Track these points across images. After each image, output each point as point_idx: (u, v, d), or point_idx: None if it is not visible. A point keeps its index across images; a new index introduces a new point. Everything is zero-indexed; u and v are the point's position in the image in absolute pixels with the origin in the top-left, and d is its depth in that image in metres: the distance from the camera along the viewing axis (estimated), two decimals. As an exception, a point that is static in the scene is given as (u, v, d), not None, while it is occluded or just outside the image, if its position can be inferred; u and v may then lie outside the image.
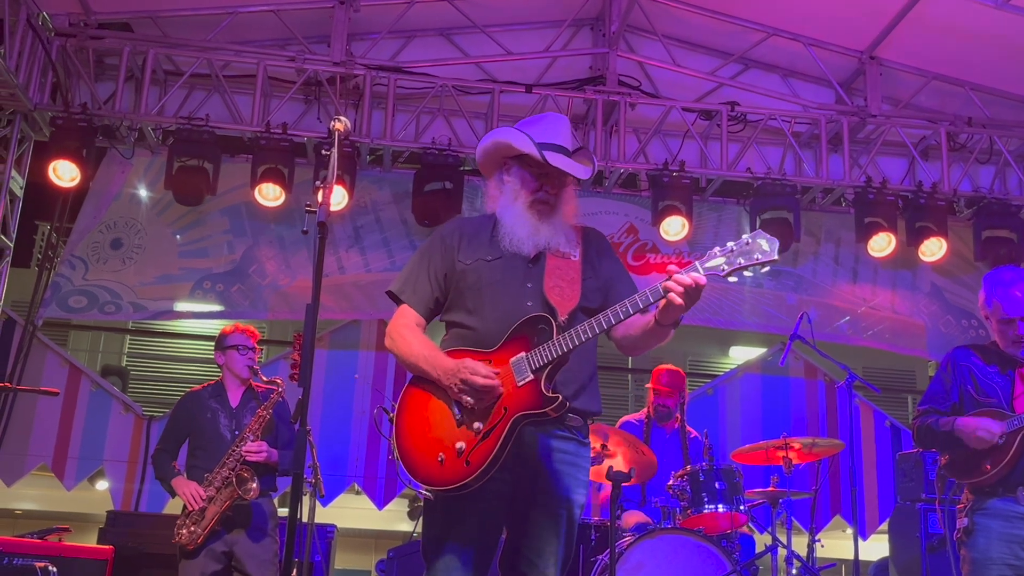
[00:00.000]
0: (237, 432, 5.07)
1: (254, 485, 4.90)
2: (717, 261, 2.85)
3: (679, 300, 2.84)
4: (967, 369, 4.08)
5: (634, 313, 2.90)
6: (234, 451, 4.97)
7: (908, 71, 7.95)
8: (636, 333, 3.07)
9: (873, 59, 7.85)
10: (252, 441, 4.97)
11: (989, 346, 4.15)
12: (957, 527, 3.98)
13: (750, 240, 2.84)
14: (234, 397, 5.25)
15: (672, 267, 2.87)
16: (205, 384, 5.38)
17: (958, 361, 4.12)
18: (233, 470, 4.92)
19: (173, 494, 5.13)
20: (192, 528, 4.90)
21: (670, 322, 2.97)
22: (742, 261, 2.83)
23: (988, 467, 3.88)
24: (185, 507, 4.99)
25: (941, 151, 7.97)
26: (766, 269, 2.87)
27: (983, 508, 3.90)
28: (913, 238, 7.83)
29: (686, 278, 2.81)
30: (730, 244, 2.86)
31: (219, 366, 5.35)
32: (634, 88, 7.93)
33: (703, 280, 2.82)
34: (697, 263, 2.86)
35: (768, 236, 2.84)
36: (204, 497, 4.92)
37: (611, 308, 2.91)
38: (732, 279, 2.87)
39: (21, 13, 6.78)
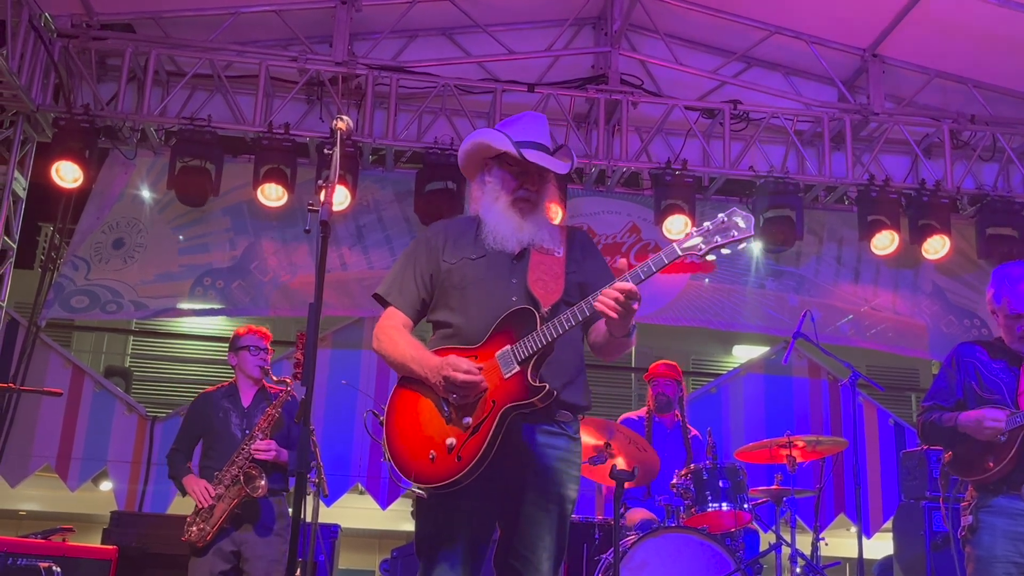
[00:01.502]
0: (248, 431, 5.10)
1: (262, 483, 4.93)
2: (694, 241, 2.86)
3: (612, 315, 2.83)
4: (972, 365, 4.07)
5: (590, 315, 2.89)
6: (243, 449, 5.01)
7: (911, 69, 7.94)
8: (601, 340, 3.09)
9: (876, 57, 7.85)
10: (261, 439, 5.00)
11: (995, 342, 4.14)
12: (962, 525, 3.98)
13: (726, 218, 2.85)
14: (246, 397, 5.29)
15: (620, 260, 2.87)
16: (219, 385, 5.43)
17: (963, 357, 4.11)
18: (242, 468, 4.95)
19: (185, 492, 5.17)
20: (201, 526, 4.95)
21: (619, 334, 2.96)
22: (719, 239, 2.84)
23: (991, 464, 3.87)
24: (196, 505, 5.03)
25: (944, 149, 7.96)
26: (742, 247, 2.88)
27: (987, 505, 3.89)
28: (916, 236, 7.81)
29: (612, 291, 2.81)
30: (706, 224, 2.87)
31: (232, 367, 5.40)
32: (636, 87, 7.92)
33: (628, 286, 2.81)
34: (675, 244, 2.88)
35: (744, 213, 2.85)
36: (213, 495, 4.97)
37: (585, 299, 2.91)
38: (711, 257, 2.88)
39: (23, 14, 6.78)
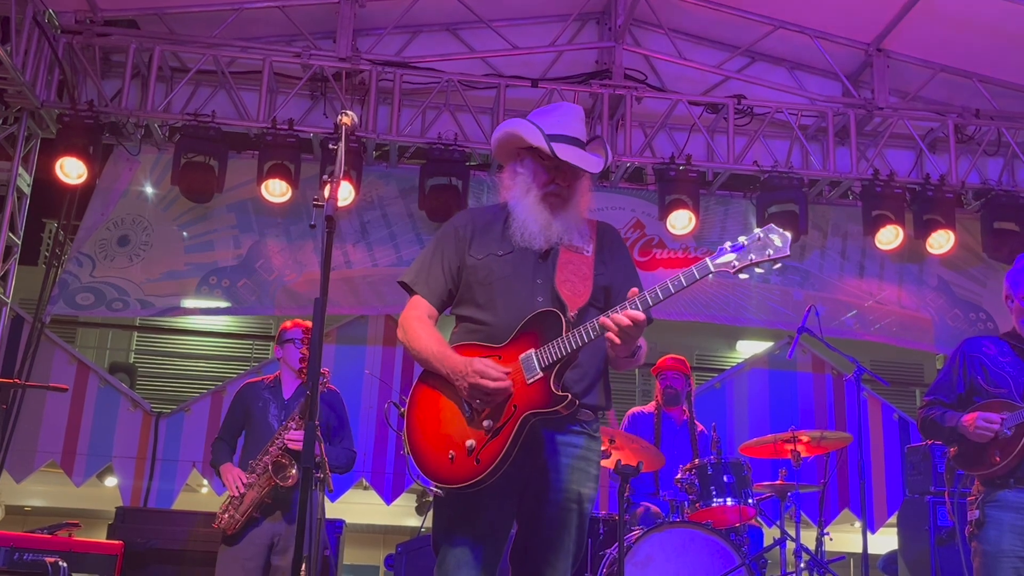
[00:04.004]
0: (284, 422, 5.13)
1: (293, 472, 4.95)
2: (728, 257, 2.82)
3: (616, 340, 2.82)
4: (978, 360, 4.06)
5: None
6: (277, 438, 5.03)
7: (915, 63, 7.92)
8: (609, 353, 3.06)
9: (880, 51, 7.83)
10: (295, 429, 5.01)
11: (1005, 336, 4.13)
12: (969, 519, 3.98)
13: (762, 235, 2.81)
14: (288, 389, 5.34)
15: (632, 290, 2.84)
16: (264, 377, 5.51)
17: (969, 352, 4.11)
18: (274, 457, 4.98)
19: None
20: (232, 513, 5.01)
21: (622, 355, 2.95)
22: (753, 257, 2.80)
23: (997, 459, 3.87)
24: (229, 493, 5.10)
25: (949, 143, 7.94)
26: (778, 266, 2.84)
27: (994, 500, 3.89)
28: (921, 231, 7.80)
29: (622, 318, 2.79)
30: (742, 239, 2.83)
31: (278, 360, 5.47)
32: (640, 82, 7.91)
33: (641, 317, 2.80)
34: (708, 260, 2.84)
35: (780, 231, 2.81)
36: (245, 483, 5.02)
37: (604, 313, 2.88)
38: (743, 276, 2.84)
39: (27, 11, 6.78)
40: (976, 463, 3.97)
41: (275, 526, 5.05)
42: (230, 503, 5.05)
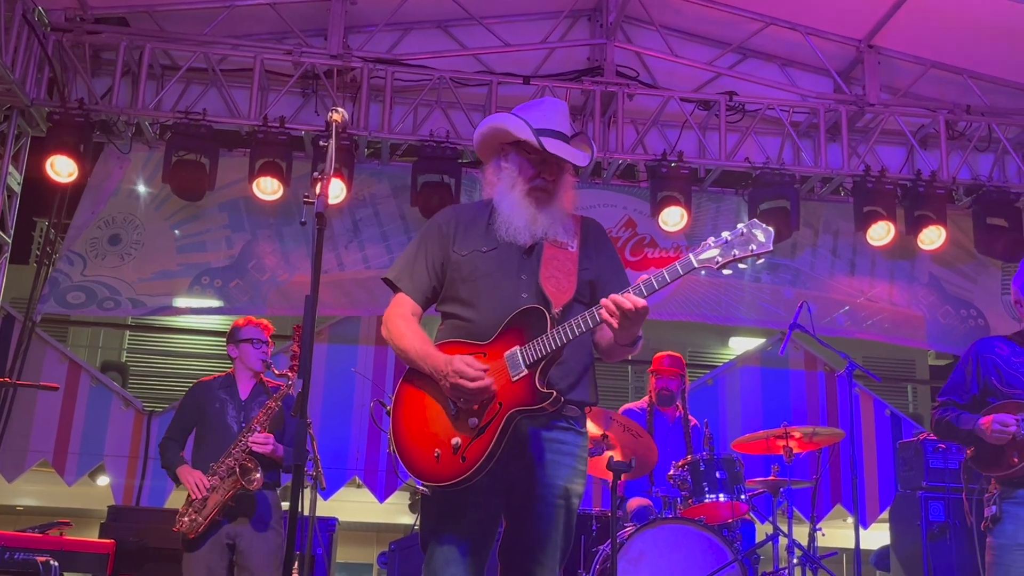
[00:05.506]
0: (244, 424, 5.06)
1: (258, 475, 4.90)
2: (711, 252, 2.80)
3: (614, 324, 2.80)
4: (991, 361, 4.07)
5: (601, 323, 2.86)
6: (240, 441, 4.96)
7: (906, 59, 7.93)
8: (604, 344, 3.07)
9: (871, 48, 7.83)
10: (259, 432, 4.96)
11: (1014, 337, 4.13)
12: (985, 515, 4.00)
13: (745, 230, 2.79)
14: (244, 390, 5.24)
15: (641, 277, 2.82)
16: (215, 375, 5.38)
17: (981, 353, 4.12)
18: (238, 460, 4.92)
19: (178, 483, 5.14)
20: (194, 516, 4.92)
21: (623, 342, 2.94)
22: (737, 252, 2.78)
23: (1015, 460, 3.90)
24: (189, 496, 4.99)
25: (940, 139, 7.96)
26: (761, 260, 2.83)
27: (1012, 496, 3.93)
28: (912, 227, 7.82)
29: (625, 302, 2.77)
30: (725, 234, 2.81)
31: (231, 359, 5.33)
32: (632, 79, 7.91)
33: (641, 303, 2.78)
34: (691, 255, 2.82)
35: (763, 226, 2.79)
36: (207, 486, 4.93)
37: (594, 307, 2.87)
38: (727, 271, 2.82)
39: (16, 8, 6.76)
40: (994, 465, 3.99)
41: (237, 528, 4.97)
42: (191, 507, 4.94)
